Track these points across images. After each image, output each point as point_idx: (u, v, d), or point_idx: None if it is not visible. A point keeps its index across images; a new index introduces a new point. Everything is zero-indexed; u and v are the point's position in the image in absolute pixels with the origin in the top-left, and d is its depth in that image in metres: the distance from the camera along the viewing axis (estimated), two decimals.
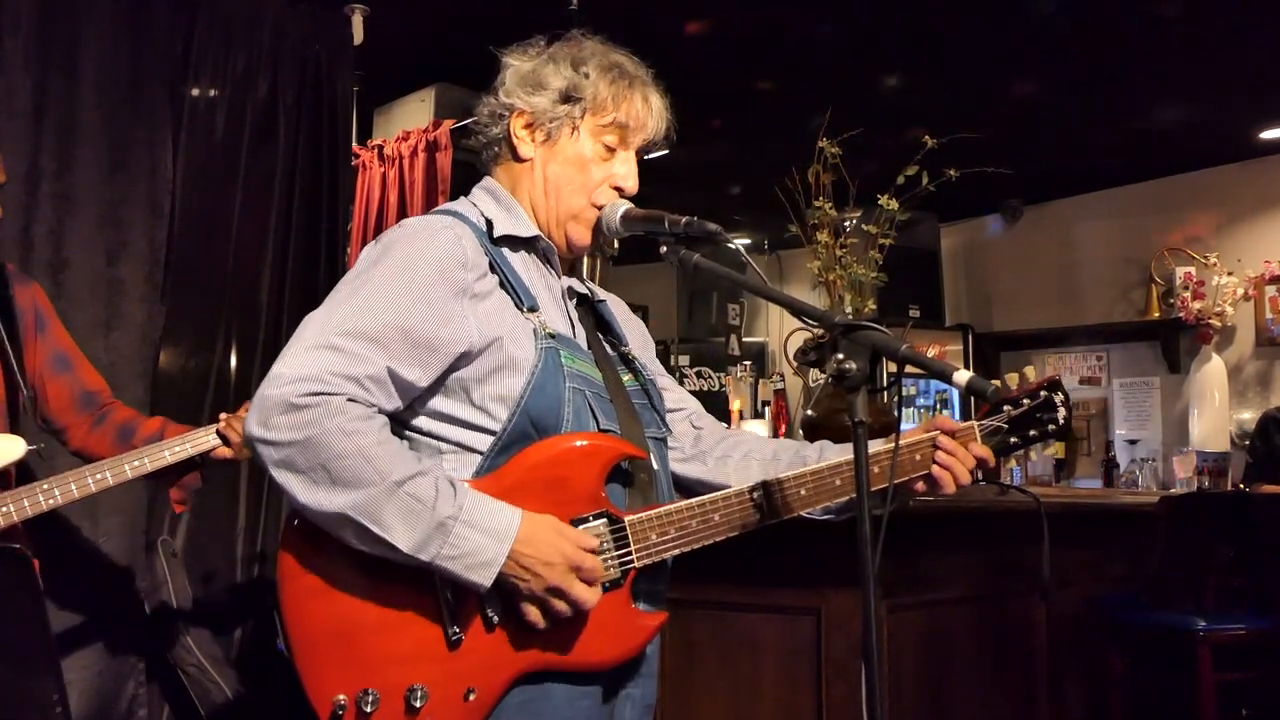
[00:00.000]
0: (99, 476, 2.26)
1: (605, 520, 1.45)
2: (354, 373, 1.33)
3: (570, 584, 1.37)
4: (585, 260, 3.91)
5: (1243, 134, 5.73)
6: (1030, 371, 1.79)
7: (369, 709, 1.34)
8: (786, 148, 3.29)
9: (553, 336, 1.49)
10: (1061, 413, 1.72)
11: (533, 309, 1.50)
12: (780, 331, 7.40)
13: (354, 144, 4.38)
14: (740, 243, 1.52)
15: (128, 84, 3.38)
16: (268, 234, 3.72)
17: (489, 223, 1.55)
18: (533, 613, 1.39)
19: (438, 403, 1.45)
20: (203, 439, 2.35)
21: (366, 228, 4.72)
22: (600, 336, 1.65)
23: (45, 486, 2.23)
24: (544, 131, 1.57)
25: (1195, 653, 3.36)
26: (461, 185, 4.50)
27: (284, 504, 3.74)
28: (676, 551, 1.50)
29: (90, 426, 2.44)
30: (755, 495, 1.52)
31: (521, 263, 1.55)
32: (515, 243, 1.56)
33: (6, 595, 2.20)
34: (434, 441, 1.46)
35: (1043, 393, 1.73)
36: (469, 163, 4.62)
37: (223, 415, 2.40)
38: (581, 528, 1.43)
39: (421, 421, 1.46)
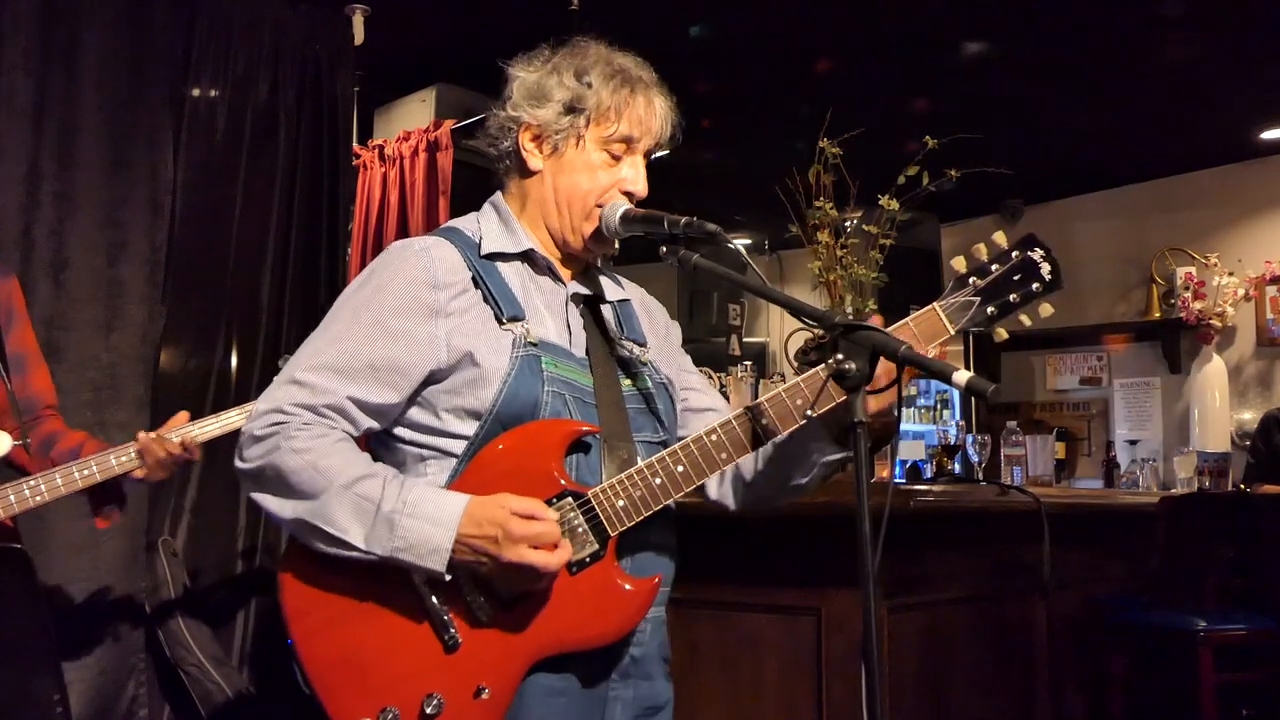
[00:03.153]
0: (87, 473, 2.26)
1: (570, 498, 1.47)
2: (313, 403, 1.46)
3: (522, 554, 1.39)
4: None
5: (1243, 134, 5.73)
6: (1000, 236, 1.61)
7: None
8: (787, 148, 3.29)
9: (535, 344, 1.52)
10: (1045, 267, 1.58)
11: (515, 318, 1.53)
12: (781, 332, 7.41)
13: (354, 144, 4.39)
14: (740, 243, 1.52)
15: (128, 84, 3.39)
16: (268, 234, 3.72)
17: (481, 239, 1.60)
18: (504, 591, 1.43)
19: (415, 414, 1.53)
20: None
21: (367, 228, 4.72)
22: (608, 340, 1.65)
23: (32, 483, 2.22)
24: (550, 144, 1.59)
25: (1195, 653, 3.36)
26: (463, 185, 4.52)
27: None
28: (653, 509, 1.49)
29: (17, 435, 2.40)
30: (713, 438, 1.50)
31: (515, 274, 1.59)
32: (506, 256, 1.59)
33: (8, 595, 2.20)
34: (416, 450, 1.54)
35: (1014, 253, 1.58)
36: (470, 163, 4.63)
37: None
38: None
39: (403, 433, 1.54)
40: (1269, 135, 5.73)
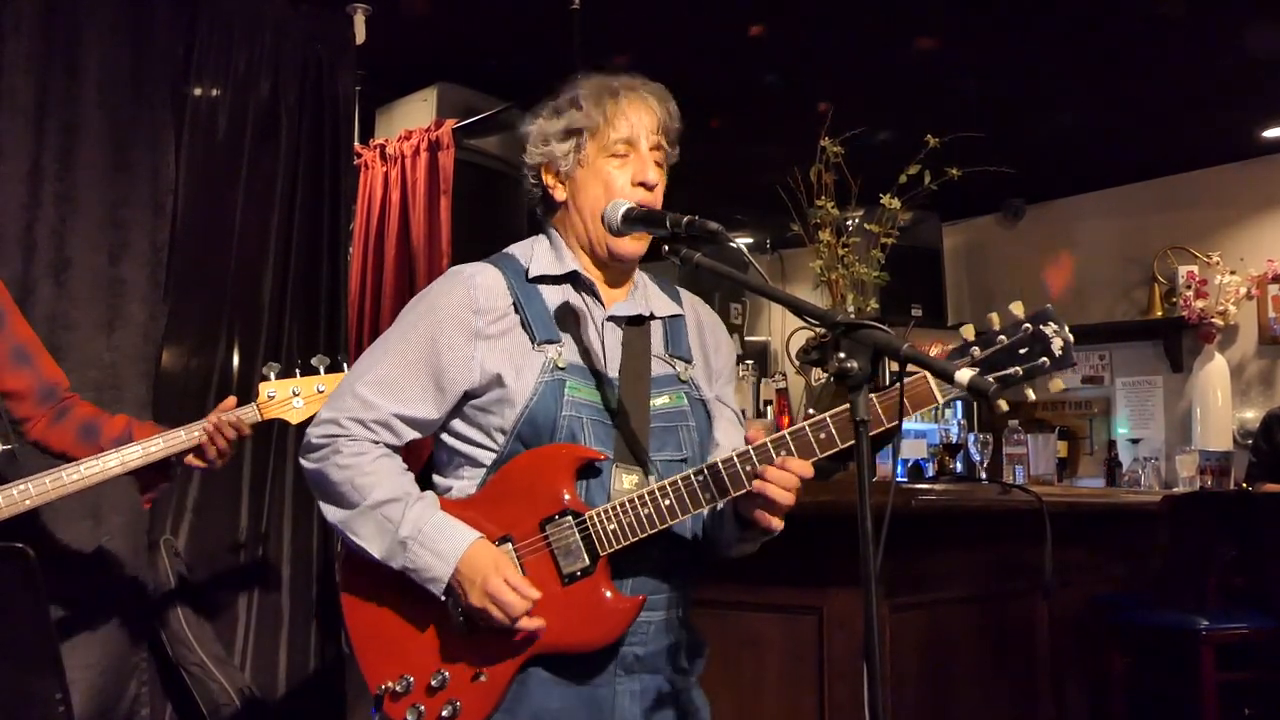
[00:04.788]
0: (74, 476, 2.28)
1: (570, 516, 1.61)
2: (363, 417, 1.67)
3: (485, 605, 1.58)
4: None
5: (1244, 133, 5.73)
6: (1017, 307, 1.56)
7: (404, 690, 1.66)
8: (789, 147, 3.29)
9: (563, 369, 1.64)
10: (1058, 342, 1.52)
11: (549, 341, 1.65)
12: (782, 331, 7.39)
13: (356, 144, 4.38)
14: (742, 242, 1.53)
15: (130, 84, 3.38)
16: (270, 234, 3.72)
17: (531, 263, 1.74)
18: (474, 618, 1.61)
19: (457, 424, 1.71)
20: (185, 441, 2.36)
21: (368, 227, 4.72)
22: (647, 358, 1.72)
23: (22, 486, 2.23)
24: (564, 172, 1.72)
25: (1197, 652, 3.36)
26: (464, 185, 4.52)
27: (287, 510, 3.70)
28: (639, 536, 1.59)
29: (51, 420, 2.40)
30: (699, 478, 1.58)
31: (559, 296, 1.71)
32: (552, 279, 1.71)
33: (9, 593, 2.20)
34: (457, 457, 1.72)
35: (1026, 326, 1.53)
36: (472, 162, 4.63)
37: (219, 414, 2.38)
38: (550, 526, 1.62)
39: (448, 439, 1.73)
40: (1270, 134, 5.72)
